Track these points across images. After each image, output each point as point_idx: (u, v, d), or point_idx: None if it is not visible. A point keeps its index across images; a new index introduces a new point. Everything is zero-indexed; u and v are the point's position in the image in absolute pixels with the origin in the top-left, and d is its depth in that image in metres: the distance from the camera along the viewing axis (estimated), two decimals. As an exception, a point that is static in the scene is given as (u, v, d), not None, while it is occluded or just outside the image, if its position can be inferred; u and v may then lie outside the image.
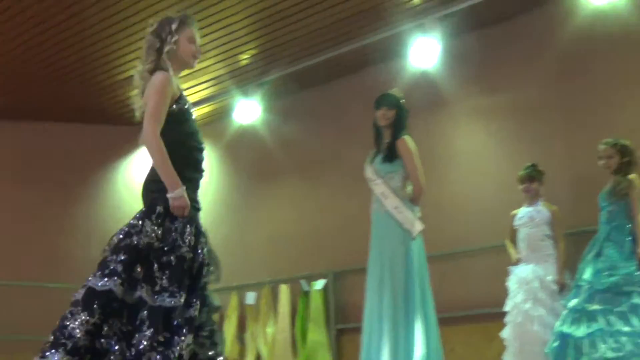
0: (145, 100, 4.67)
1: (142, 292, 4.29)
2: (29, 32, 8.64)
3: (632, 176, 6.94)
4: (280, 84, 10.16)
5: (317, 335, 9.58)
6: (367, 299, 6.53)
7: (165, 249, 4.40)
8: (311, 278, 9.85)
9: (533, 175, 7.59)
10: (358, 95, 9.52)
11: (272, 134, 10.71)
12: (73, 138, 11.33)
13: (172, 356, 4.18)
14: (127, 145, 11.38)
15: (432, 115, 9.18)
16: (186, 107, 4.76)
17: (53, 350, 4.15)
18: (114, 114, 11.01)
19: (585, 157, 7.55)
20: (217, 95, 10.44)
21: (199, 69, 9.39)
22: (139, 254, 4.37)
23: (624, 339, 6.40)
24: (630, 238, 6.79)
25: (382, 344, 6.22)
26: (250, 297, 10.27)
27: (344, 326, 9.56)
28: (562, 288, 7.19)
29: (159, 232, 4.42)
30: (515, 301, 7.28)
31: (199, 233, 4.58)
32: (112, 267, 4.31)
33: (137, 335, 4.22)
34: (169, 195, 4.45)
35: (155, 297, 4.30)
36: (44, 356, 4.16)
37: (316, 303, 9.68)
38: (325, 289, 9.72)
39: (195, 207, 4.62)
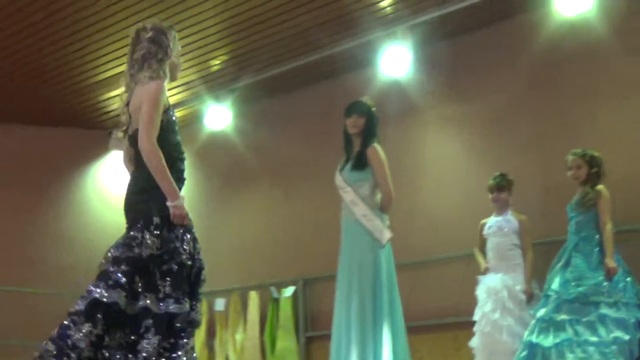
0: (135, 106, 4.67)
1: (146, 302, 4.34)
2: (2, 33, 8.57)
3: (600, 187, 6.98)
4: (252, 90, 10.14)
5: (287, 342, 9.55)
6: (336, 306, 6.52)
7: (166, 257, 4.46)
8: (281, 285, 9.82)
9: (502, 185, 7.61)
10: (329, 102, 9.51)
11: (242, 140, 10.67)
12: (42, 141, 11.21)
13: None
14: (97, 149, 11.31)
15: (403, 124, 9.18)
16: (174, 118, 4.86)
17: None
18: (85, 117, 10.93)
19: (556, 167, 7.57)
20: (188, 101, 10.40)
21: (171, 74, 9.35)
22: (140, 265, 4.40)
23: (591, 348, 6.43)
24: (598, 248, 6.83)
25: (351, 351, 6.20)
26: (220, 304, 10.22)
27: (314, 333, 9.55)
28: (530, 298, 7.21)
29: (158, 242, 4.45)
30: (484, 310, 7.29)
31: (194, 239, 4.66)
32: (115, 279, 4.34)
33: (142, 342, 4.28)
34: (170, 204, 4.51)
35: (160, 304, 4.36)
36: None
37: (285, 310, 9.65)
38: (294, 296, 9.69)
39: None
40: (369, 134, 6.65)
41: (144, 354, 4.23)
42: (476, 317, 7.37)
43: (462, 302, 7.91)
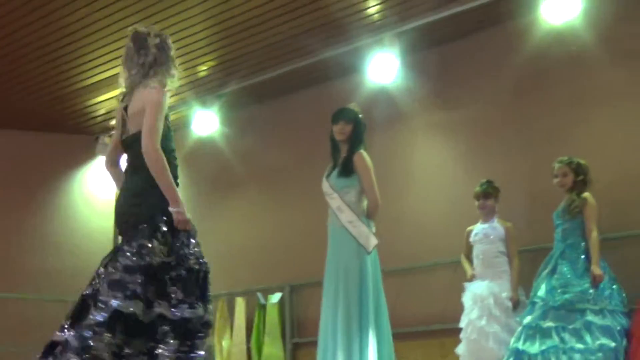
0: (136, 110, 4.69)
1: (161, 309, 4.37)
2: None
3: (586, 194, 7.00)
4: (239, 96, 10.13)
5: (273, 348, 9.53)
6: (322, 312, 6.52)
7: (173, 263, 4.51)
8: (267, 291, 9.80)
9: (489, 192, 7.62)
10: (316, 109, 9.52)
11: (230, 146, 10.67)
12: (29, 146, 11.16)
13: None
14: (83, 155, 11.29)
15: (390, 130, 9.19)
16: (169, 125, 4.87)
17: None
18: (71, 123, 10.89)
19: (542, 174, 7.58)
20: (175, 106, 10.37)
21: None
22: (151, 273, 4.42)
23: (577, 356, 6.44)
24: (584, 256, 6.85)
25: (337, 358, 6.19)
26: (206, 310, 10.19)
27: (300, 340, 9.53)
28: (516, 305, 7.21)
29: (166, 249, 4.52)
30: (470, 317, 7.28)
31: (198, 244, 4.76)
32: (132, 289, 4.36)
33: (161, 347, 4.33)
34: (173, 210, 4.59)
35: (174, 311, 4.40)
36: None
37: (272, 316, 9.63)
38: (281, 302, 9.68)
39: None
40: (356, 140, 6.66)
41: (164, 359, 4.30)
42: (462, 324, 7.37)
43: (448, 309, 7.92)
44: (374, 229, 6.53)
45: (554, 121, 8.06)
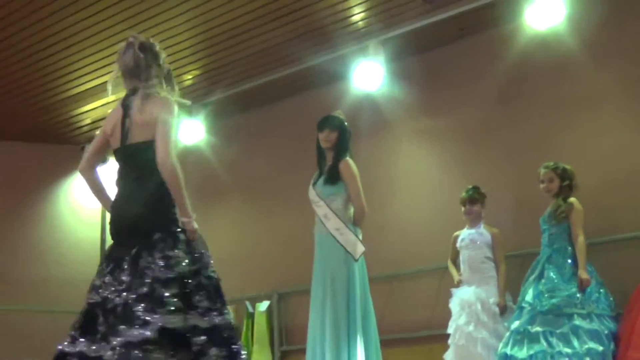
0: (146, 119, 4.68)
1: (194, 320, 4.38)
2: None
3: (572, 199, 7.04)
4: (224, 104, 10.12)
5: (262, 356, 9.52)
6: (310, 320, 6.52)
7: (194, 273, 4.55)
8: (255, 299, 9.80)
9: (475, 198, 7.64)
10: (301, 117, 9.52)
11: (215, 154, 10.64)
12: (14, 156, 11.10)
13: None
14: (69, 165, 11.23)
15: (376, 138, 9.20)
16: None
17: None
18: (56, 133, 10.86)
19: (528, 179, 7.60)
20: (161, 115, 10.36)
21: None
22: (181, 284, 4.43)
23: (565, 360, 6.47)
24: (571, 260, 6.87)
25: (325, 364, 6.21)
26: (194, 319, 10.17)
27: (289, 347, 9.52)
28: (503, 310, 7.23)
29: (189, 258, 4.56)
30: (458, 323, 7.29)
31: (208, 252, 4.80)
32: (173, 303, 4.33)
33: (202, 358, 4.32)
34: (185, 220, 4.62)
35: (205, 319, 4.42)
36: None
37: (260, 324, 9.63)
38: (269, 310, 9.67)
39: None
40: (341, 148, 6.66)
41: None
42: (450, 329, 7.37)
43: (436, 314, 7.93)
44: (360, 236, 6.53)
45: (539, 127, 8.08)
